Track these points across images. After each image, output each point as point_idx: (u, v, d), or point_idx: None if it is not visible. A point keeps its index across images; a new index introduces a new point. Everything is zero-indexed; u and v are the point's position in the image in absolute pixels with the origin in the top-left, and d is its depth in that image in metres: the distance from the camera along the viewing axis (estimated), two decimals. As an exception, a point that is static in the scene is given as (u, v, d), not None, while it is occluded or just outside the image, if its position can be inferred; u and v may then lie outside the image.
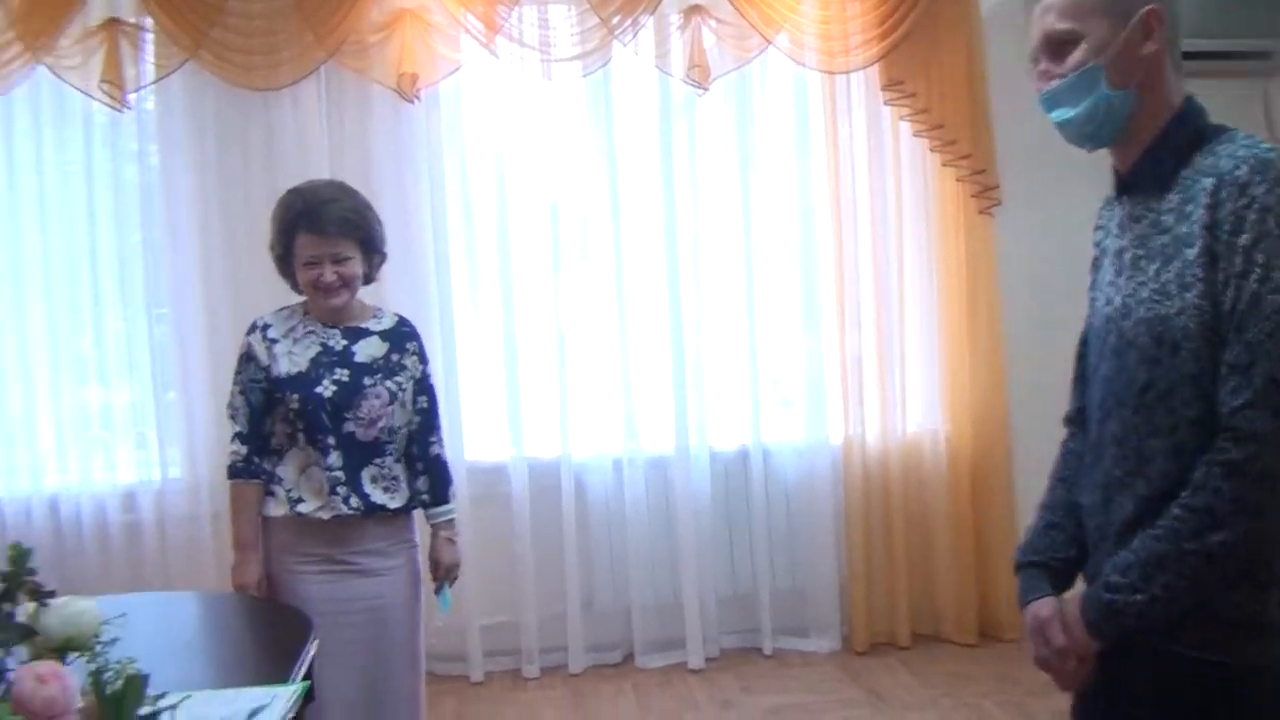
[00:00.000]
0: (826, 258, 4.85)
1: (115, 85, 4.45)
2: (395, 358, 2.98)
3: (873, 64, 4.75)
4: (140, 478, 4.67)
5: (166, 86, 4.58)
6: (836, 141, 4.81)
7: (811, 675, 4.65)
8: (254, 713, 1.70)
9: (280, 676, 1.93)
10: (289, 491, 2.86)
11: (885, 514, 4.89)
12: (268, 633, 2.49)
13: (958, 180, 4.79)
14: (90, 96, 4.52)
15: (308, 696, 1.83)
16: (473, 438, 4.73)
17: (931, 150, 4.81)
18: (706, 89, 4.69)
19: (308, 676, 2.01)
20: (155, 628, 2.37)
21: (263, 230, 4.47)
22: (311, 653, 2.13)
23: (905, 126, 4.82)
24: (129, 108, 4.53)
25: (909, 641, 4.88)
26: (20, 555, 1.17)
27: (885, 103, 4.80)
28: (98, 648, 1.21)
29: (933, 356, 4.93)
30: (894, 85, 4.75)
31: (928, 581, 4.95)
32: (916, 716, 4.22)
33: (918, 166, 4.87)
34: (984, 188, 4.78)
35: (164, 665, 1.21)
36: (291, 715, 1.73)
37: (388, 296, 3.83)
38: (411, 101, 4.55)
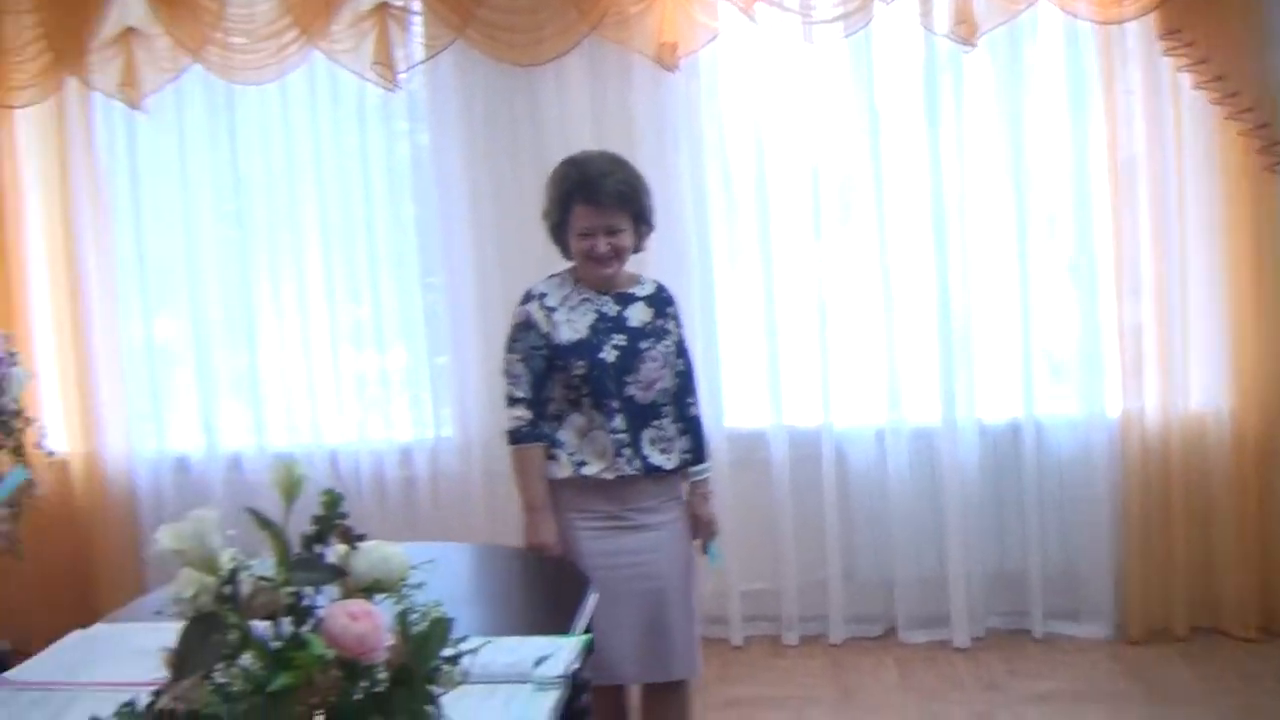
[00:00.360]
0: (1102, 219, 4.57)
1: (386, 66, 4.68)
2: (659, 322, 3.06)
3: (1149, 12, 4.42)
4: (416, 436, 4.93)
5: (435, 66, 4.77)
6: (1113, 96, 4.53)
7: (1082, 662, 4.41)
8: (539, 661, 1.75)
9: (560, 629, 1.97)
10: (571, 455, 2.96)
11: (1164, 494, 4.57)
12: (546, 586, 2.57)
13: (1239, 135, 4.43)
14: (363, 78, 4.76)
15: (588, 649, 1.87)
16: (732, 404, 4.74)
17: (1212, 104, 4.46)
18: (973, 45, 4.48)
19: (587, 630, 2.05)
20: (438, 575, 2.46)
21: (529, 201, 4.62)
22: (590, 607, 2.17)
23: (1184, 79, 4.48)
24: (399, 88, 4.75)
25: (1186, 633, 4.56)
26: (332, 500, 1.23)
27: (1163, 53, 4.47)
28: (404, 591, 1.25)
29: (1217, 326, 4.56)
30: (1171, 34, 4.41)
31: (1207, 569, 4.60)
32: (1193, 714, 3.95)
33: (1199, 122, 4.51)
34: (1269, 143, 4.41)
35: (448, 612, 1.25)
36: (576, 666, 1.76)
37: (649, 264, 3.88)
38: (671, 71, 4.56)
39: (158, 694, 1.17)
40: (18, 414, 4.50)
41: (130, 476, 5.08)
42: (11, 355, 4.43)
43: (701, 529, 3.18)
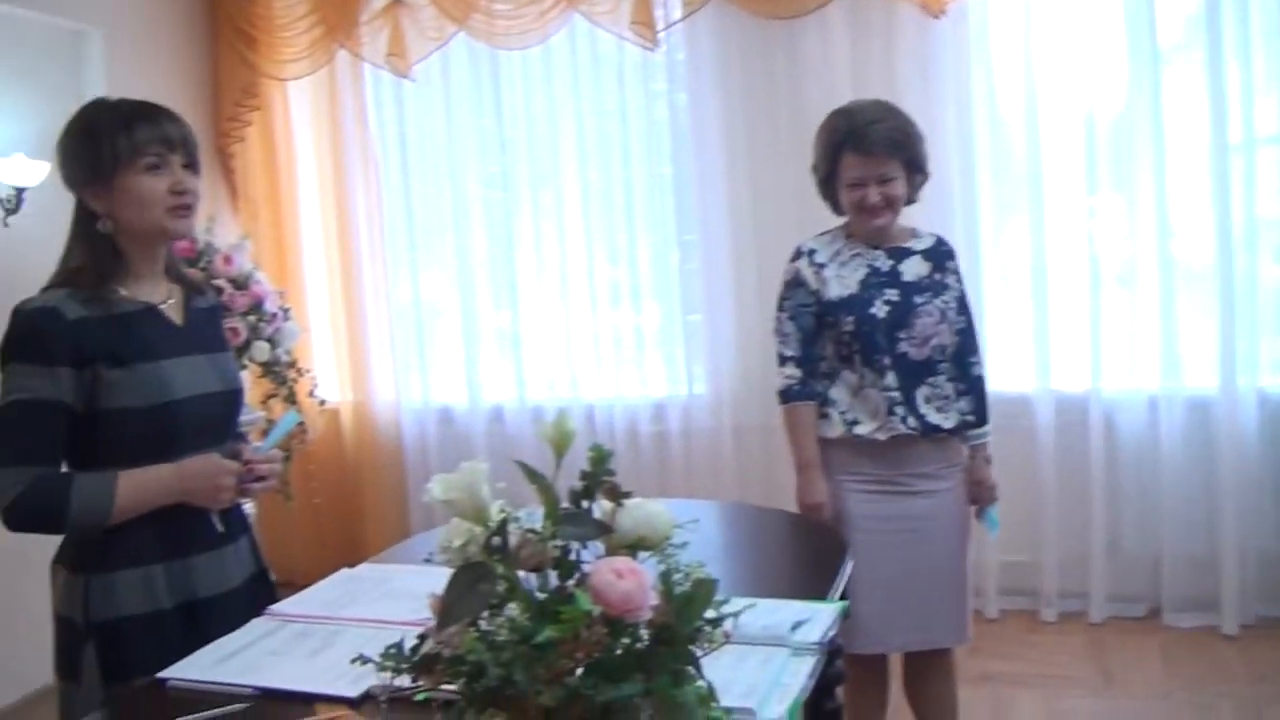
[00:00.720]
0: None
1: (646, 26, 4.71)
2: (938, 276, 2.92)
3: None
4: (669, 392, 5.00)
5: (693, 24, 4.78)
6: None
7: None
8: (796, 625, 1.71)
9: (817, 592, 1.92)
10: (843, 414, 2.87)
11: None
12: (803, 549, 2.52)
13: None
14: (621, 39, 4.81)
15: (844, 615, 1.82)
16: (996, 366, 4.54)
17: None
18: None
19: (844, 596, 2.00)
20: (693, 532, 2.46)
21: (785, 160, 4.62)
22: (848, 573, 2.12)
23: None
24: (658, 47, 4.76)
25: None
26: (601, 456, 1.22)
27: None
28: (668, 549, 1.23)
29: None
30: None
31: None
32: None
33: None
34: None
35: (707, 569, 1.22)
36: (833, 633, 1.72)
37: (912, 218, 3.75)
38: (938, 17, 4.42)
39: (423, 637, 1.19)
40: (291, 365, 4.80)
41: (397, 426, 5.36)
42: (285, 311, 4.72)
43: (981, 494, 3.04)
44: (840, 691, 2.14)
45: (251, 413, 4.59)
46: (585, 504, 1.24)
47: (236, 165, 5.39)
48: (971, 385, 2.98)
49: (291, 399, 4.78)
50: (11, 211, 4.23)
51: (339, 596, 2.04)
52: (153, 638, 1.88)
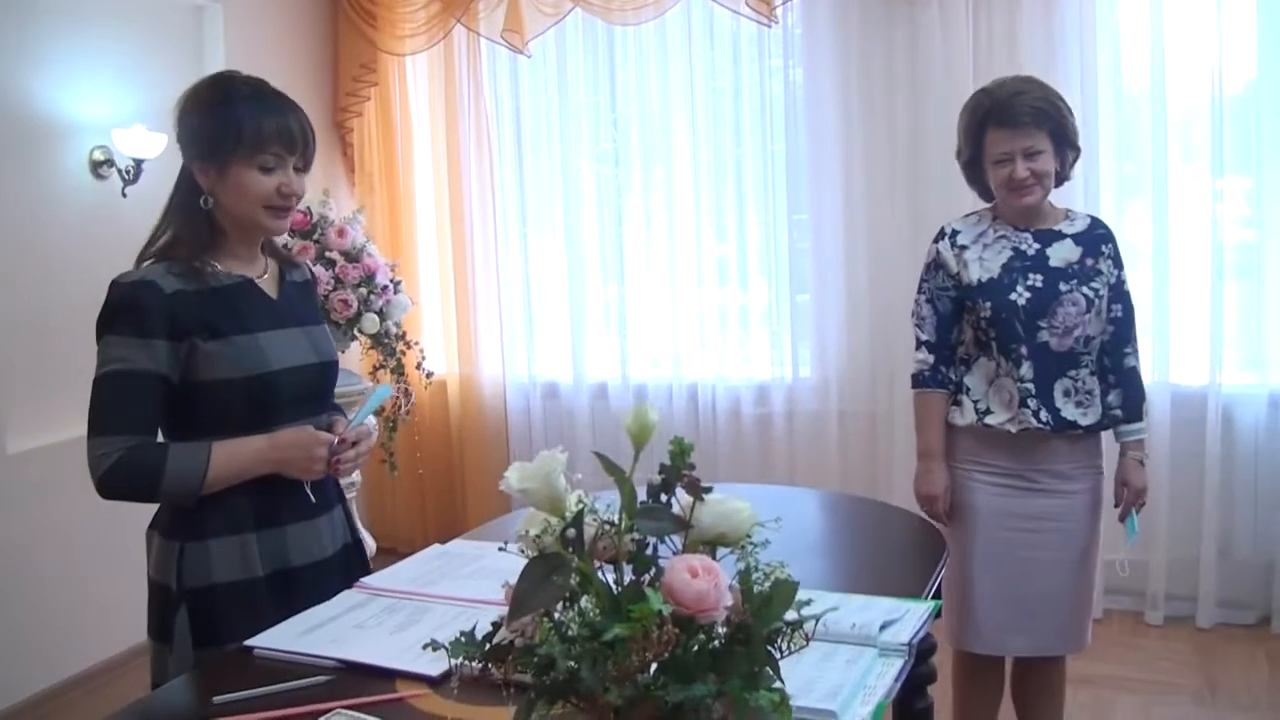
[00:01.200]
0: None
1: (764, 2, 4.62)
2: (1090, 262, 2.74)
3: None
4: (774, 374, 4.94)
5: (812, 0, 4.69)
6: None
7: None
8: (885, 625, 1.67)
9: (911, 590, 1.88)
10: (976, 403, 2.76)
11: None
12: (900, 544, 2.45)
13: None
14: (738, 14, 4.75)
15: (937, 614, 1.77)
16: None
17: None
18: None
19: (937, 595, 1.95)
20: (787, 521, 2.42)
21: (901, 139, 4.53)
22: (943, 572, 2.06)
23: None
24: (775, 23, 4.68)
25: None
26: (681, 449, 1.19)
27: None
28: (748, 547, 1.20)
29: None
30: None
31: None
32: None
33: None
34: None
35: (793, 561, 1.19)
36: (923, 634, 1.67)
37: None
38: (1063, -11, 4.26)
39: (496, 625, 1.19)
40: (400, 338, 4.86)
41: (502, 400, 5.41)
42: (396, 284, 4.78)
43: (1127, 497, 2.88)
44: (931, 690, 2.10)
45: (361, 383, 4.66)
46: (664, 497, 1.22)
47: (353, 139, 5.48)
48: (1124, 377, 2.82)
49: (400, 371, 4.85)
50: (130, 182, 4.35)
51: (428, 572, 2.06)
52: (244, 605, 1.92)
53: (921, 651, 1.79)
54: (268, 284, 2.08)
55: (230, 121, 1.94)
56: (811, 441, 4.81)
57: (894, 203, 4.57)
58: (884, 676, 1.56)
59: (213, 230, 2.00)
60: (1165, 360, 4.32)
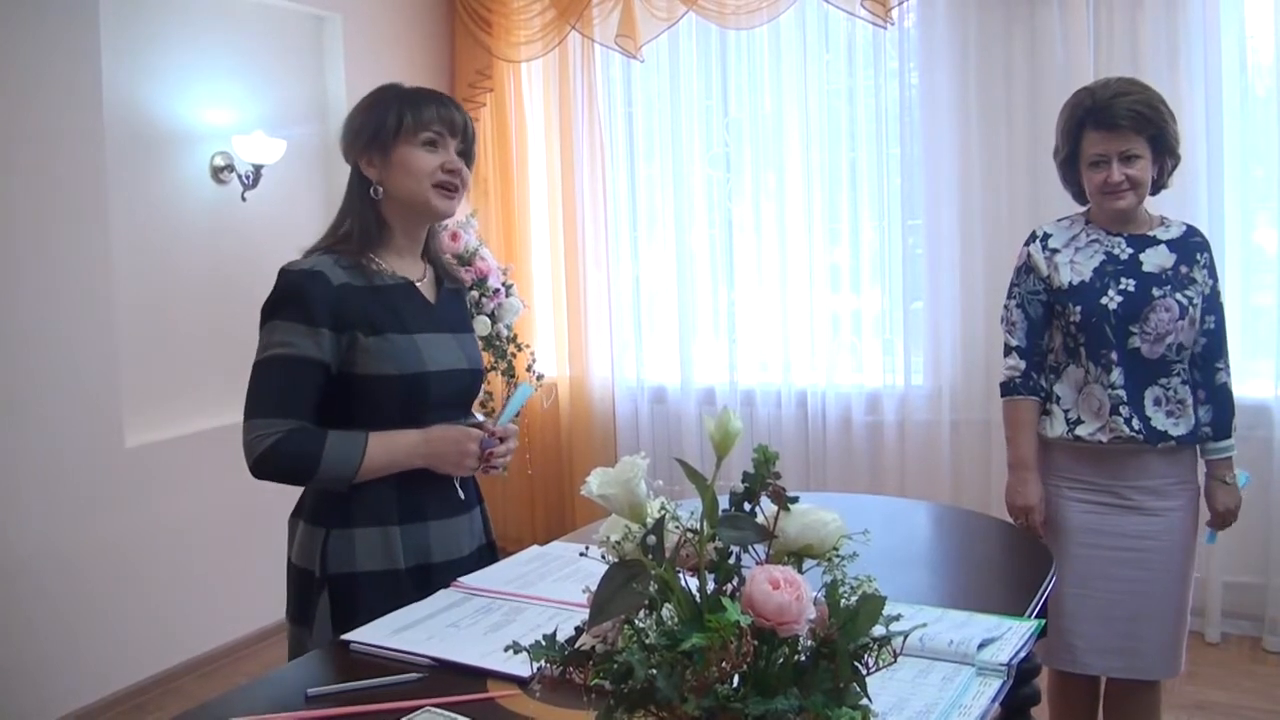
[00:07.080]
0: None
1: (879, 3, 4.56)
2: (1184, 269, 2.66)
3: None
4: (885, 382, 4.86)
5: (930, 1, 4.62)
6: None
7: None
8: (984, 644, 1.61)
9: (1014, 608, 1.82)
10: (1067, 412, 2.69)
11: None
12: (1006, 559, 2.38)
13: None
14: (853, 16, 4.71)
15: (1040, 634, 1.71)
16: (1235, 370, 4.11)
17: None
18: None
19: (1043, 614, 1.88)
20: (892, 532, 2.39)
21: (1021, 140, 4.42)
22: (1050, 589, 1.99)
23: None
24: (891, 24, 4.62)
25: None
26: (766, 458, 1.17)
27: None
28: (836, 559, 1.17)
29: None
30: None
31: None
32: None
33: None
34: None
35: (894, 573, 1.15)
36: (1024, 654, 1.62)
37: (1154, 207, 3.53)
38: (1190, -12, 4.11)
39: (579, 630, 1.18)
40: (511, 340, 4.90)
41: (611, 403, 5.44)
42: (508, 287, 4.82)
43: (1214, 518, 2.79)
44: (1035, 713, 2.03)
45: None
46: (748, 506, 1.20)
47: (469, 144, 5.54)
48: (1215, 393, 2.72)
49: (510, 373, 4.89)
50: (250, 187, 4.47)
51: (525, 574, 2.07)
52: (385, 594, 1.95)
53: (1024, 672, 1.73)
54: (426, 288, 2.13)
55: (391, 109, 2.03)
56: (923, 451, 4.73)
57: (1012, 208, 4.46)
58: (980, 697, 1.50)
59: (381, 226, 2.07)
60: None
